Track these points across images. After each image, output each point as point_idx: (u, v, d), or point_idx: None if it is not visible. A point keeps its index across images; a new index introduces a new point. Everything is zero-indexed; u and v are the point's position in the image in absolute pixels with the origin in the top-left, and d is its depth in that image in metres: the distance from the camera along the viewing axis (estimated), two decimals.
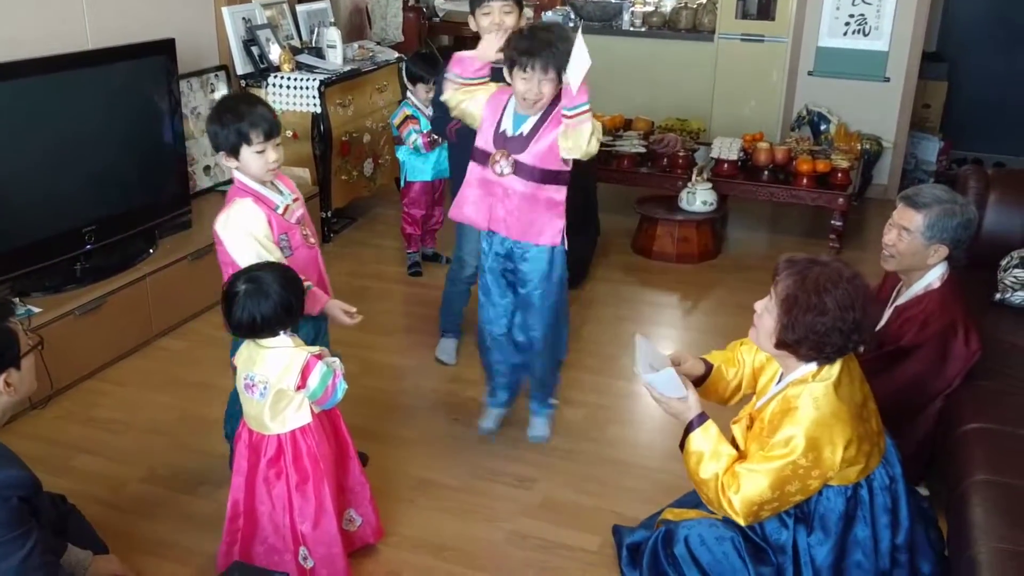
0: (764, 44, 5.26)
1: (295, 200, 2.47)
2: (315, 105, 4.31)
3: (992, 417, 2.38)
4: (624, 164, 4.68)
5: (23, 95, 3.05)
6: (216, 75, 4.30)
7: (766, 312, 1.98)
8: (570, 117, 2.45)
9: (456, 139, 3.01)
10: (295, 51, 4.54)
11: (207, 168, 4.28)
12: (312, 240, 2.52)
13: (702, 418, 2.05)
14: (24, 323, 2.71)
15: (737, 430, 2.12)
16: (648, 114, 5.18)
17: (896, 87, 5.16)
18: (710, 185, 4.43)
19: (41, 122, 3.14)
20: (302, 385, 2.13)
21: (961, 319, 2.50)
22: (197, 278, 3.66)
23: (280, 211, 2.40)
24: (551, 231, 2.65)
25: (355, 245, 4.61)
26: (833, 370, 1.95)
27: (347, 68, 4.57)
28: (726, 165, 4.57)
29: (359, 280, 4.13)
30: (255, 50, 4.43)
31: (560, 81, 2.46)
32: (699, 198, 4.40)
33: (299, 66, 4.47)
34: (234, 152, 2.34)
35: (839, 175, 4.44)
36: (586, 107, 2.44)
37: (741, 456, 2.02)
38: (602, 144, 2.61)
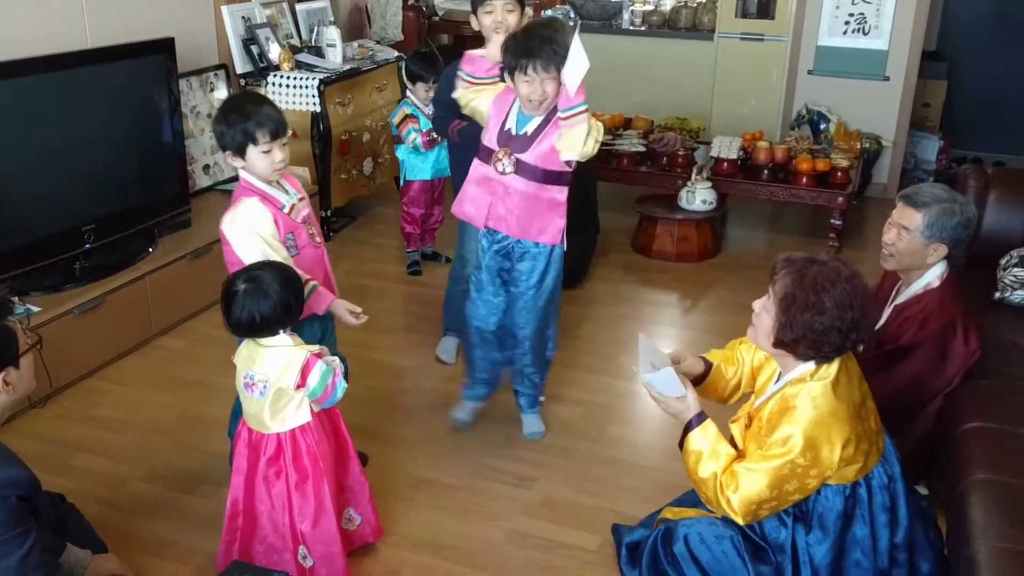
0: (764, 43, 5.26)
1: (301, 199, 2.47)
2: (314, 104, 4.31)
3: (991, 416, 2.38)
4: (624, 163, 4.68)
5: (22, 94, 3.05)
6: (215, 74, 4.30)
7: (764, 311, 1.98)
8: (565, 118, 2.45)
9: (458, 139, 3.01)
10: (294, 50, 4.54)
11: (206, 167, 4.28)
12: (318, 239, 2.53)
13: (701, 417, 2.05)
14: (23, 322, 2.72)
15: (736, 429, 2.12)
16: (648, 113, 5.18)
17: (896, 86, 5.16)
18: (710, 184, 4.43)
19: (40, 121, 3.13)
20: (302, 384, 2.13)
21: (960, 318, 2.50)
22: (196, 277, 3.66)
23: (286, 210, 2.40)
24: (552, 230, 2.66)
25: (354, 244, 4.61)
26: (831, 369, 1.95)
27: (347, 67, 4.57)
28: (726, 164, 4.57)
29: (359, 279, 4.13)
30: (255, 49, 4.43)
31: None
32: (699, 197, 4.40)
33: (299, 65, 4.47)
34: (240, 152, 2.34)
35: (839, 174, 4.44)
36: (582, 108, 2.44)
37: (740, 455, 2.02)
38: (602, 143, 2.60)
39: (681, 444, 2.08)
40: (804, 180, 4.44)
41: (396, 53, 5.03)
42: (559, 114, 2.48)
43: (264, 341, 2.15)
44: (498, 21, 2.88)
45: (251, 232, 2.32)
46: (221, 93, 4.33)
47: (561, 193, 2.63)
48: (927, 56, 5.40)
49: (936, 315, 2.48)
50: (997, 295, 3.01)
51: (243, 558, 2.25)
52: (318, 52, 4.60)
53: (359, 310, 2.46)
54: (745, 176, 4.58)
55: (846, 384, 1.98)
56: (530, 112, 2.56)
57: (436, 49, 5.45)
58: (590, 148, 2.50)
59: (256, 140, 2.31)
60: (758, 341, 2.04)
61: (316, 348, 2.19)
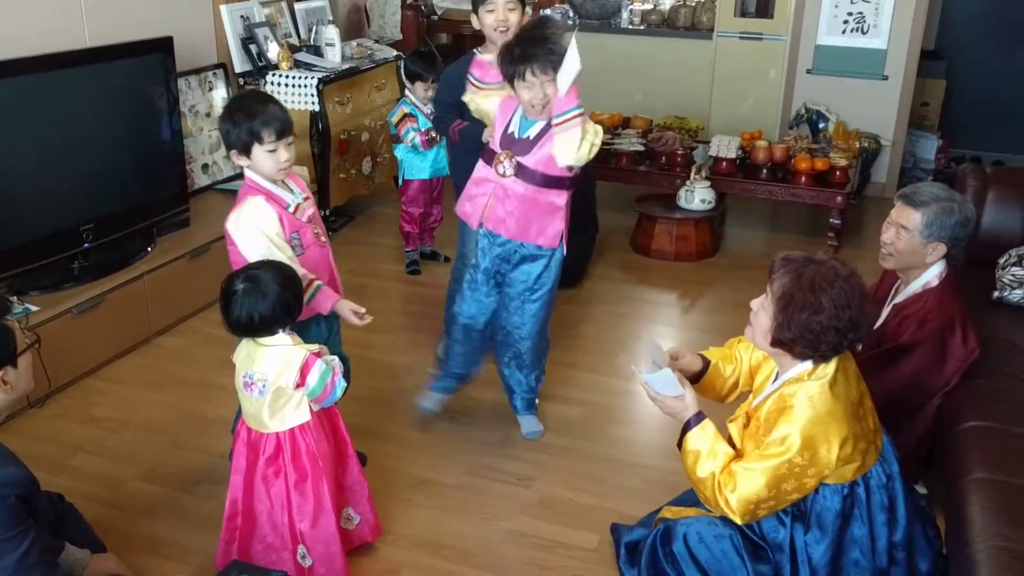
0: (763, 42, 5.26)
1: (306, 199, 2.47)
2: (313, 103, 4.31)
3: (990, 415, 2.38)
4: (623, 162, 4.68)
5: (21, 93, 3.04)
6: (214, 73, 4.30)
7: (762, 310, 1.99)
8: (559, 124, 2.46)
9: (458, 139, 3.01)
10: (293, 49, 4.54)
11: (205, 166, 4.28)
12: (323, 239, 2.53)
13: (699, 417, 2.05)
14: (22, 321, 2.72)
15: (734, 429, 2.12)
16: (646, 112, 5.18)
17: (895, 85, 5.16)
18: (708, 183, 4.43)
19: (39, 120, 3.13)
20: (301, 383, 2.13)
21: (959, 317, 2.50)
22: (195, 276, 3.66)
23: (291, 209, 2.41)
24: (550, 232, 2.67)
25: (353, 243, 4.61)
26: (828, 368, 1.95)
27: (345, 66, 4.56)
28: (724, 163, 4.57)
29: (357, 278, 4.13)
30: (253, 48, 4.43)
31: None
32: (697, 196, 4.40)
33: (297, 64, 4.47)
34: (246, 151, 2.34)
35: (837, 173, 4.44)
36: (575, 112, 2.45)
37: (738, 455, 2.02)
38: (601, 142, 2.60)
39: (680, 444, 2.08)
40: (803, 179, 4.44)
41: (395, 52, 5.03)
42: (552, 120, 2.48)
43: (263, 340, 2.15)
44: (500, 20, 2.88)
45: (256, 231, 2.32)
46: (220, 92, 4.33)
47: (560, 197, 2.63)
48: (926, 55, 5.40)
49: (935, 314, 2.49)
50: (996, 294, 3.01)
51: (242, 557, 2.25)
52: (317, 51, 4.60)
53: (363, 310, 2.46)
54: (744, 175, 4.58)
55: (844, 383, 1.98)
56: (534, 117, 2.57)
57: (435, 48, 5.46)
58: (585, 152, 2.50)
59: (262, 139, 2.31)
60: (756, 340, 2.04)
61: (315, 347, 2.19)
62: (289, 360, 2.12)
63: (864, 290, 1.94)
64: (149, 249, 3.60)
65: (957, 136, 5.81)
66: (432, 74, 3.90)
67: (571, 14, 5.78)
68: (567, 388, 3.23)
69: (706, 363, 2.28)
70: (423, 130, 3.91)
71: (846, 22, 5.17)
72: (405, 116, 3.95)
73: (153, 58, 3.56)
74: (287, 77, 4.35)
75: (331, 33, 4.60)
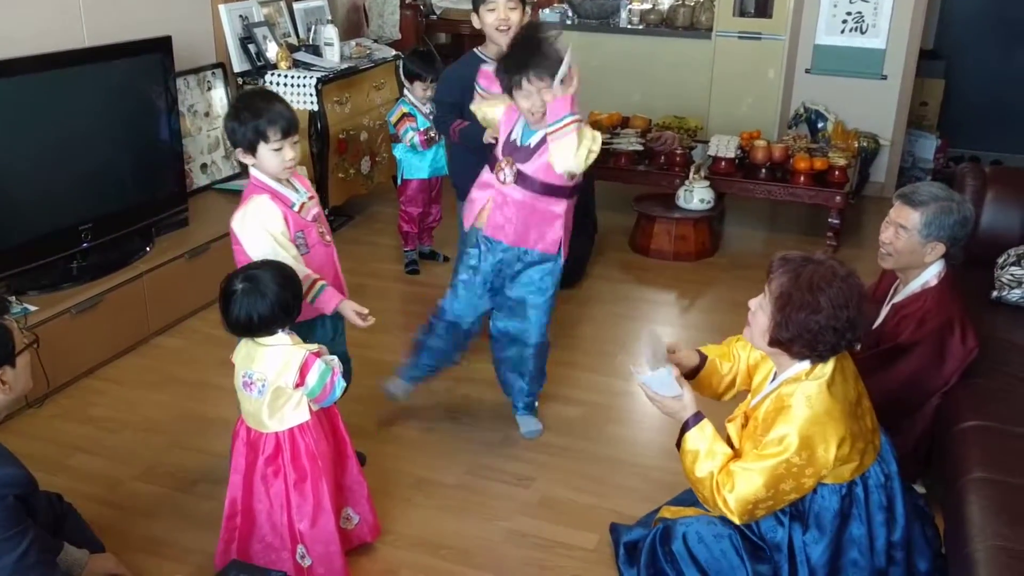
0: (761, 42, 5.25)
1: (311, 198, 2.47)
2: (312, 103, 4.31)
3: (989, 415, 2.38)
4: (621, 162, 4.68)
5: (19, 92, 3.04)
6: (213, 73, 4.30)
7: (760, 310, 1.99)
8: (553, 132, 2.47)
9: (458, 139, 3.01)
10: (292, 49, 4.54)
11: (204, 166, 4.28)
12: (328, 238, 2.53)
13: (698, 417, 2.06)
14: (20, 321, 2.72)
15: (732, 429, 2.12)
16: (645, 112, 5.18)
17: (893, 85, 5.16)
18: (707, 183, 4.43)
19: (37, 120, 3.13)
20: (300, 383, 2.13)
21: (958, 317, 2.50)
22: (194, 276, 3.66)
23: (296, 208, 2.41)
24: (549, 239, 2.68)
25: (352, 243, 4.60)
26: (826, 368, 1.95)
27: (344, 66, 4.56)
28: (723, 163, 4.57)
29: (356, 278, 4.12)
30: (252, 48, 4.42)
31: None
32: (696, 196, 4.40)
33: (296, 64, 4.46)
34: (251, 149, 2.34)
35: (836, 173, 4.44)
36: (569, 119, 2.46)
37: (736, 455, 2.02)
38: (601, 142, 2.61)
39: (678, 444, 2.08)
40: (802, 179, 4.44)
41: (394, 52, 5.03)
42: (547, 128, 2.49)
43: (263, 340, 2.15)
44: (501, 19, 2.88)
45: (261, 230, 2.32)
46: (219, 92, 4.33)
47: (559, 206, 2.64)
48: (925, 55, 5.40)
49: (934, 314, 2.49)
50: (995, 294, 3.01)
51: (241, 557, 2.25)
52: (316, 51, 4.60)
53: (366, 311, 2.46)
54: (743, 175, 4.58)
55: (841, 383, 1.98)
56: (536, 125, 2.58)
57: (434, 48, 5.45)
58: (582, 159, 2.50)
59: (267, 138, 2.31)
60: (754, 340, 2.04)
61: (315, 347, 2.19)
62: (288, 360, 2.12)
63: (862, 290, 1.94)
64: (148, 249, 3.60)
65: (956, 136, 5.81)
66: (431, 74, 3.90)
67: (570, 14, 5.79)
68: (566, 388, 3.23)
69: (703, 359, 2.28)
70: (422, 130, 3.91)
71: (845, 22, 5.17)
72: (404, 116, 3.95)
73: (152, 58, 3.55)
74: (286, 77, 4.35)
75: (330, 33, 4.59)
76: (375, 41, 5.26)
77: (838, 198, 4.39)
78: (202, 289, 3.63)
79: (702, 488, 2.02)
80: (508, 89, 2.55)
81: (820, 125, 5.15)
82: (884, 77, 5.17)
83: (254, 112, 2.31)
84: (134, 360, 3.45)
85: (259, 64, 4.43)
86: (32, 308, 3.07)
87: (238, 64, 4.41)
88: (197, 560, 2.39)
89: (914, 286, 2.58)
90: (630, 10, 5.65)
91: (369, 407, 3.09)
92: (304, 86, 4.30)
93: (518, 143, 2.63)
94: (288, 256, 2.32)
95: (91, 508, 2.45)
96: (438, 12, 6.45)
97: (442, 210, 4.27)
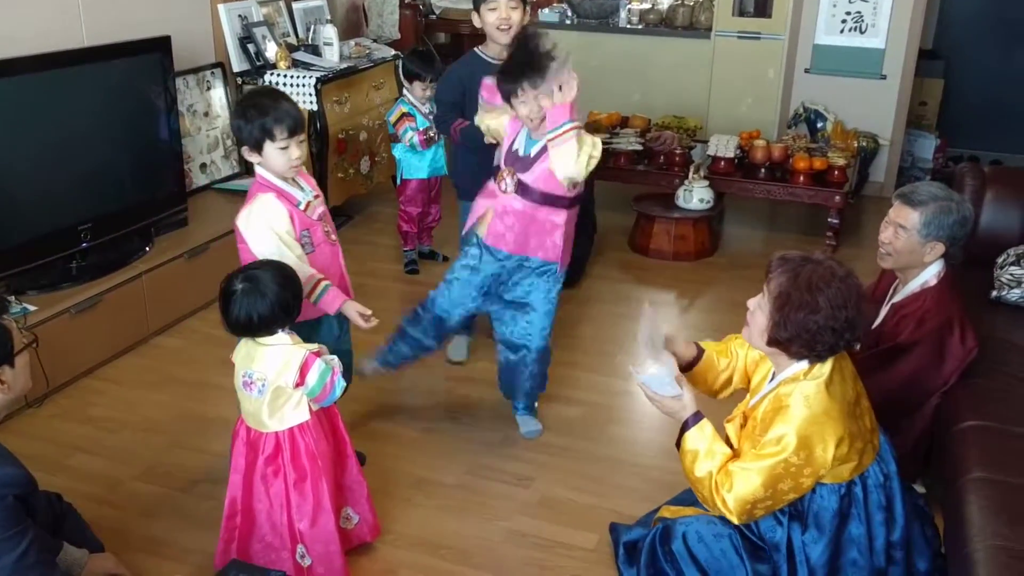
0: (761, 41, 5.25)
1: (316, 197, 2.48)
2: (311, 103, 4.31)
3: (988, 414, 2.38)
4: (621, 162, 4.68)
5: (19, 92, 3.04)
6: (212, 72, 4.30)
7: (759, 309, 1.99)
8: (552, 139, 2.48)
9: (459, 138, 3.01)
10: (291, 48, 4.54)
11: (203, 165, 4.27)
12: (333, 237, 2.53)
13: (697, 417, 2.06)
14: (19, 321, 2.72)
15: (731, 429, 2.12)
16: (645, 112, 5.18)
17: (893, 84, 5.16)
18: (707, 183, 4.43)
19: (37, 120, 3.13)
20: (300, 382, 2.13)
21: (957, 316, 2.50)
22: (193, 276, 3.66)
23: (302, 207, 2.41)
24: (549, 246, 2.68)
25: (351, 243, 4.60)
26: (824, 368, 1.96)
27: (343, 66, 4.56)
28: (723, 163, 4.57)
29: (356, 278, 4.07)
30: (251, 47, 4.42)
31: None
32: (696, 196, 4.40)
33: (295, 63, 4.46)
34: (257, 147, 2.34)
35: (836, 173, 4.44)
36: (568, 126, 2.47)
37: (735, 455, 2.03)
38: (600, 142, 2.62)
39: (678, 444, 2.08)
40: (801, 179, 4.44)
41: (393, 52, 5.03)
42: (546, 135, 2.49)
43: (263, 340, 2.15)
44: (502, 18, 2.89)
45: (267, 228, 2.33)
46: (218, 92, 4.32)
47: (558, 216, 2.65)
48: (924, 55, 5.40)
49: (933, 313, 2.49)
50: (994, 293, 3.01)
51: (241, 557, 2.25)
52: (315, 50, 4.60)
53: (369, 312, 2.46)
54: (742, 175, 4.58)
55: (840, 383, 1.98)
56: (536, 133, 2.59)
57: (433, 48, 5.46)
58: (583, 165, 2.51)
59: (274, 136, 2.31)
60: (752, 339, 2.04)
61: (315, 346, 2.19)
62: (288, 359, 2.12)
63: (861, 290, 1.94)
64: (147, 249, 3.60)
65: (955, 135, 5.81)
66: (430, 74, 3.90)
67: (569, 14, 5.79)
68: (566, 388, 3.23)
69: (700, 353, 2.28)
70: (421, 129, 3.91)
71: (844, 21, 5.17)
72: (403, 115, 3.94)
73: (151, 57, 3.55)
74: (285, 76, 4.35)
75: (329, 32, 4.59)
76: (374, 41, 5.26)
77: (837, 198, 4.39)
78: (201, 289, 3.63)
79: (701, 488, 2.02)
80: (507, 97, 2.56)
81: (819, 125, 5.15)
82: (883, 77, 5.17)
83: (261, 110, 2.31)
84: (133, 360, 3.45)
85: (258, 64, 4.43)
86: (31, 308, 3.07)
87: (237, 64, 4.41)
88: (197, 560, 2.39)
89: (913, 286, 2.58)
90: (629, 10, 5.65)
91: (368, 407, 3.09)
92: (303, 86, 4.30)
93: (519, 153, 2.64)
94: (292, 255, 2.33)
95: (91, 508, 2.44)
96: (437, 12, 6.45)
97: (441, 210, 4.27)
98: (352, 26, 5.46)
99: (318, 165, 4.40)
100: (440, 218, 4.29)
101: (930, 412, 2.53)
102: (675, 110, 5.29)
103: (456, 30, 6.44)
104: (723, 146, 4.59)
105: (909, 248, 2.52)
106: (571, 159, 2.48)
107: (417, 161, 4.03)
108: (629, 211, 4.62)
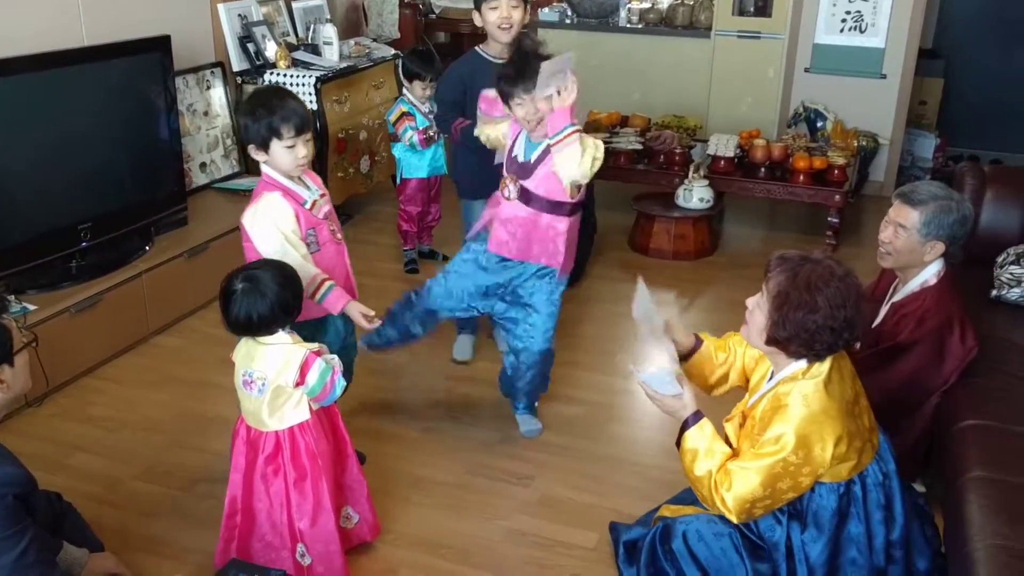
0: (761, 41, 5.25)
1: (322, 195, 2.48)
2: (311, 102, 4.30)
3: (988, 414, 2.38)
4: (621, 161, 4.68)
5: (18, 92, 3.04)
6: (212, 72, 4.30)
7: (758, 308, 1.99)
8: (555, 143, 2.49)
9: (460, 137, 3.02)
10: (291, 48, 4.54)
11: (203, 165, 4.27)
12: (339, 236, 2.53)
13: (697, 416, 2.06)
14: (19, 320, 2.72)
15: (730, 428, 2.12)
16: (645, 111, 5.18)
17: (892, 84, 5.16)
18: (707, 182, 4.43)
19: (36, 119, 3.13)
20: (301, 382, 2.13)
21: (957, 316, 2.50)
22: (193, 275, 3.66)
23: (308, 206, 2.41)
24: (552, 252, 2.69)
25: (351, 242, 4.52)
26: (823, 367, 1.96)
27: (343, 65, 4.56)
28: (723, 162, 4.57)
29: (356, 277, 4.10)
30: (251, 47, 4.42)
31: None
32: (696, 195, 4.40)
33: (295, 63, 4.46)
34: (264, 146, 2.34)
35: (835, 172, 4.44)
36: (570, 130, 2.48)
37: (734, 454, 2.03)
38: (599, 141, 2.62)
39: (678, 443, 2.08)
40: (801, 178, 4.44)
41: (393, 51, 5.03)
42: (548, 140, 2.50)
43: (263, 339, 2.15)
44: (503, 17, 2.89)
45: (272, 227, 2.33)
46: (218, 91, 4.32)
47: (561, 223, 2.66)
48: (924, 54, 5.40)
49: (933, 313, 2.49)
50: (994, 293, 3.01)
51: (241, 556, 2.25)
52: (315, 50, 4.60)
53: (372, 313, 2.47)
54: (742, 174, 4.58)
55: (838, 382, 1.98)
56: (535, 135, 2.60)
57: (433, 47, 5.45)
58: (588, 166, 2.52)
59: (280, 135, 2.31)
60: (751, 339, 2.04)
61: (315, 346, 2.19)
62: (289, 359, 2.12)
63: (860, 289, 1.94)
64: (147, 248, 3.60)
65: (955, 135, 5.81)
66: (430, 73, 3.90)
67: (569, 14, 5.79)
68: (567, 387, 3.23)
69: (699, 343, 2.28)
70: (420, 129, 3.91)
71: (844, 21, 5.17)
72: (403, 115, 3.94)
73: (151, 57, 3.55)
74: (285, 76, 4.35)
75: (329, 32, 4.59)
76: (374, 40, 5.26)
77: (837, 197, 4.39)
78: (201, 288, 3.63)
79: (701, 487, 2.02)
80: (505, 99, 2.58)
81: (819, 124, 5.15)
82: (883, 76, 5.17)
83: (268, 109, 2.31)
84: (133, 359, 3.45)
85: (258, 63, 4.43)
86: (31, 307, 3.07)
87: (237, 63, 4.41)
88: (197, 559, 2.39)
89: (913, 285, 2.58)
90: (629, 9, 5.64)
91: (369, 406, 3.09)
92: (303, 85, 4.30)
93: (519, 159, 2.65)
94: (297, 254, 2.33)
95: (90, 507, 2.44)
96: (437, 11, 6.45)
97: (441, 209, 4.27)
98: (352, 25, 5.46)
99: (318, 164, 4.40)
100: (440, 217, 4.29)
101: (930, 411, 2.53)
102: (675, 109, 5.29)
103: (456, 29, 6.44)
104: (723, 145, 4.59)
105: (909, 247, 2.52)
106: (575, 162, 2.49)
107: (417, 160, 4.03)
108: (629, 210, 4.62)
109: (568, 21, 5.76)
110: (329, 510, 2.21)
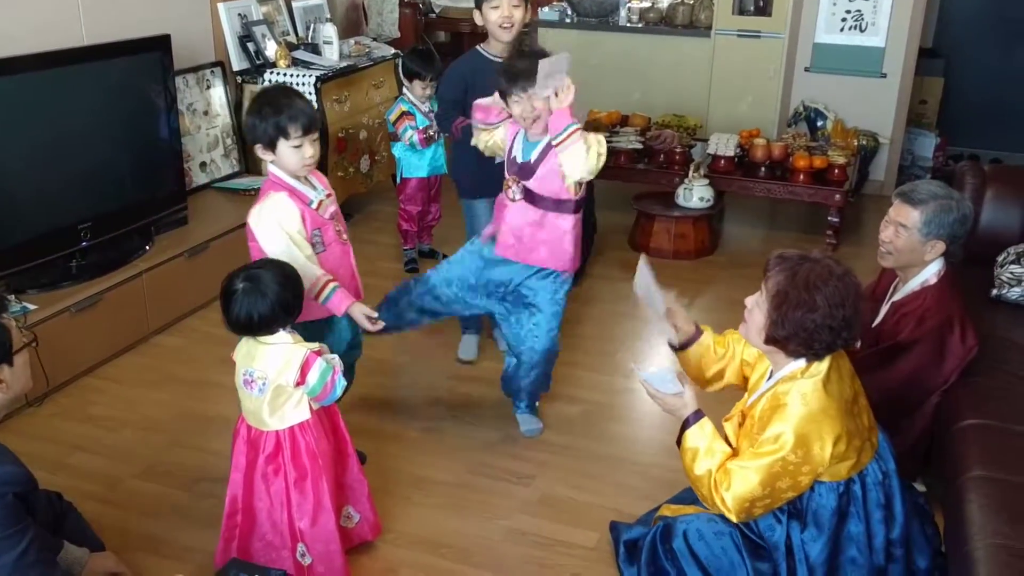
0: (761, 40, 5.25)
1: (328, 196, 2.48)
2: (311, 101, 4.30)
3: (988, 413, 2.38)
4: (621, 160, 4.68)
5: (18, 91, 3.04)
6: (212, 71, 4.29)
7: (756, 307, 1.99)
8: (558, 144, 2.49)
9: (461, 136, 3.02)
10: (291, 47, 4.53)
11: (203, 164, 4.27)
12: (345, 236, 2.54)
13: (698, 415, 2.06)
14: (20, 320, 2.72)
15: (729, 428, 2.12)
16: (645, 110, 5.17)
17: (893, 83, 5.16)
18: (707, 181, 4.43)
19: (36, 119, 3.12)
20: (301, 381, 2.13)
21: (958, 315, 2.50)
22: (193, 275, 3.65)
23: (314, 206, 2.41)
24: (559, 253, 2.68)
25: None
26: (822, 366, 1.96)
27: (343, 64, 4.56)
28: (723, 161, 4.57)
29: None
30: (251, 46, 4.42)
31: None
32: (696, 194, 4.40)
33: (295, 62, 4.46)
34: (271, 145, 2.34)
35: (836, 171, 4.43)
36: (572, 128, 2.48)
37: (734, 453, 2.03)
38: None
39: (679, 441, 2.08)
40: (801, 177, 4.44)
41: (393, 50, 5.02)
42: (551, 141, 2.51)
43: (264, 338, 2.15)
44: (505, 16, 2.90)
45: (277, 227, 2.33)
46: (218, 91, 4.32)
47: (566, 221, 2.66)
48: (924, 53, 5.40)
49: (934, 312, 2.49)
50: (994, 292, 3.01)
51: (241, 556, 2.25)
52: (315, 49, 4.59)
53: (376, 315, 2.47)
54: (742, 173, 4.58)
55: (837, 381, 1.98)
56: (533, 133, 2.60)
57: (433, 46, 5.45)
58: (594, 163, 2.53)
59: (288, 134, 2.31)
60: (750, 337, 2.04)
61: (316, 345, 2.19)
62: (289, 358, 2.12)
63: (858, 289, 1.94)
64: (147, 247, 3.60)
65: (955, 134, 5.81)
66: (430, 72, 3.90)
67: (569, 13, 5.79)
68: (567, 387, 3.23)
69: (699, 332, 2.28)
70: (420, 128, 3.91)
71: (844, 20, 5.17)
72: (403, 114, 3.94)
73: (151, 56, 3.55)
74: (285, 75, 4.34)
75: (329, 31, 4.59)
76: (374, 39, 5.26)
77: (837, 196, 4.38)
78: (201, 288, 3.63)
79: (700, 486, 2.02)
80: (503, 96, 2.58)
81: (819, 123, 5.15)
82: (883, 75, 5.17)
83: (275, 108, 2.31)
84: (134, 359, 3.45)
85: (258, 62, 4.43)
86: (31, 307, 3.07)
87: (237, 63, 4.41)
88: (197, 559, 2.39)
89: (914, 284, 2.58)
90: (629, 8, 5.64)
91: (369, 405, 3.09)
92: (303, 84, 4.30)
93: (518, 160, 2.65)
94: (302, 255, 2.33)
95: (91, 507, 2.44)
96: (437, 10, 6.45)
97: (441, 208, 4.27)
98: (352, 24, 5.46)
99: (318, 164, 4.40)
100: (440, 217, 4.29)
101: (930, 410, 2.53)
102: (675, 109, 5.29)
103: (456, 28, 6.44)
104: (723, 145, 4.59)
105: (910, 247, 2.52)
106: (581, 160, 2.50)
107: (417, 160, 4.03)
108: (629, 210, 4.62)
109: (568, 20, 5.75)
110: (329, 510, 2.21)
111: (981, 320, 2.67)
